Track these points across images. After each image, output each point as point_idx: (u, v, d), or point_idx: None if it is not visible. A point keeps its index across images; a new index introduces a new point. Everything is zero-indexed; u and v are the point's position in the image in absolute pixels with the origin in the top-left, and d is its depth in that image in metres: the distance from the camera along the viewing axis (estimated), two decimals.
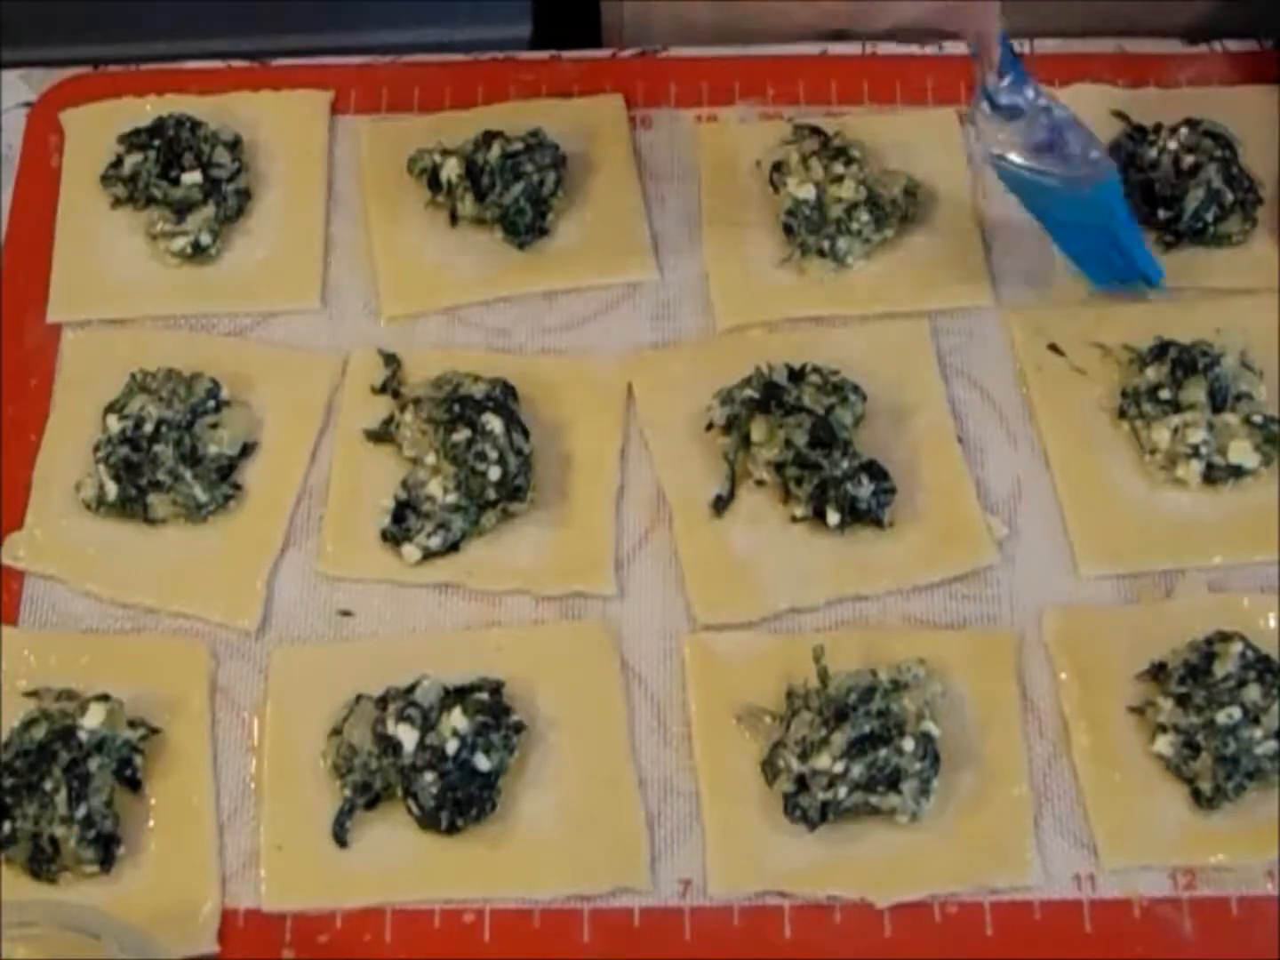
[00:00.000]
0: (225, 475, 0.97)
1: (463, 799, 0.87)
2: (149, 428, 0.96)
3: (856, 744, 0.87)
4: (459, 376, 0.97)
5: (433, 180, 1.04)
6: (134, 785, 0.89)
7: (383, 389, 0.99)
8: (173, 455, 0.95)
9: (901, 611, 0.94)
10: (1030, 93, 0.95)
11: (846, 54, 1.11)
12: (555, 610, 0.94)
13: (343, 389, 1.00)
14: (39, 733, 0.88)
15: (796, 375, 0.96)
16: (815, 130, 1.05)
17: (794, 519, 0.94)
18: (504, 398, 0.96)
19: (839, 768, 0.87)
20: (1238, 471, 0.95)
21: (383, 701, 0.89)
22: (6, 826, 0.86)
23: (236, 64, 1.11)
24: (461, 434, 0.94)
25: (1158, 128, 1.05)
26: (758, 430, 0.94)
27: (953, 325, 1.02)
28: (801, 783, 0.87)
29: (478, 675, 0.90)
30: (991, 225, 1.04)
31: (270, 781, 0.90)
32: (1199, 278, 1.03)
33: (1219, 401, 0.96)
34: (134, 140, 1.06)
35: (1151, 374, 0.97)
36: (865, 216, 1.02)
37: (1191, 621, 0.92)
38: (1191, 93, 1.08)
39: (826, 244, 1.02)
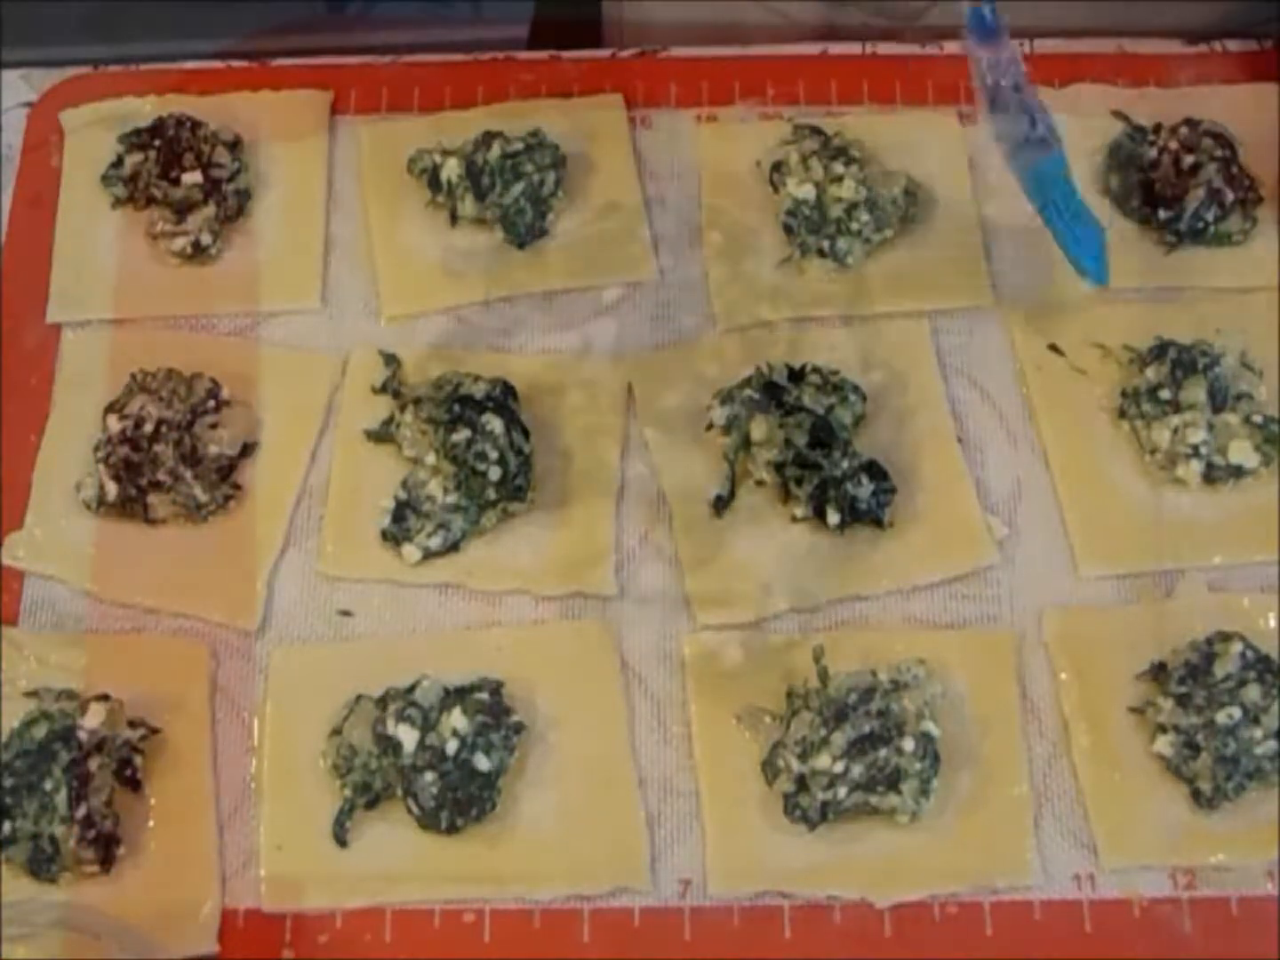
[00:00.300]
0: (225, 475, 0.97)
1: (463, 799, 0.87)
2: (149, 428, 0.96)
3: (856, 744, 0.87)
4: (459, 376, 0.96)
5: (433, 180, 1.04)
6: (134, 785, 0.89)
7: (383, 389, 0.99)
8: (173, 455, 0.95)
9: (901, 611, 0.94)
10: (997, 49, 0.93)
11: (846, 54, 1.11)
12: (555, 610, 0.94)
13: (343, 389, 1.00)
14: (39, 733, 0.88)
15: (796, 375, 0.96)
16: (815, 130, 1.05)
17: (794, 519, 0.94)
18: (504, 398, 0.96)
19: (839, 768, 0.87)
20: (1238, 471, 0.95)
21: (383, 701, 0.89)
22: (6, 826, 0.86)
23: (236, 64, 1.11)
24: (461, 434, 0.94)
25: (1158, 128, 1.05)
26: (758, 430, 0.94)
27: (953, 325, 1.02)
28: (801, 783, 0.87)
29: (478, 675, 0.90)
30: (991, 225, 1.04)
31: (270, 781, 0.90)
32: (1199, 278, 1.03)
33: (1219, 401, 0.96)
34: (134, 140, 1.06)
35: (1151, 374, 0.97)
36: (865, 216, 1.02)
37: (1191, 621, 0.92)
38: (1191, 92, 1.08)
39: (826, 244, 1.02)
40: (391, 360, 1.00)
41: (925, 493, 0.96)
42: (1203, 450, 0.95)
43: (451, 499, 0.94)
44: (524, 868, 0.88)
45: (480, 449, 0.94)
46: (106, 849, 0.87)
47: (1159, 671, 0.91)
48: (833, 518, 0.93)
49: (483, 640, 0.93)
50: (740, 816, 0.89)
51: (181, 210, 1.03)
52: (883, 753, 0.87)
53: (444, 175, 1.03)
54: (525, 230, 1.03)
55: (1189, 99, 1.07)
